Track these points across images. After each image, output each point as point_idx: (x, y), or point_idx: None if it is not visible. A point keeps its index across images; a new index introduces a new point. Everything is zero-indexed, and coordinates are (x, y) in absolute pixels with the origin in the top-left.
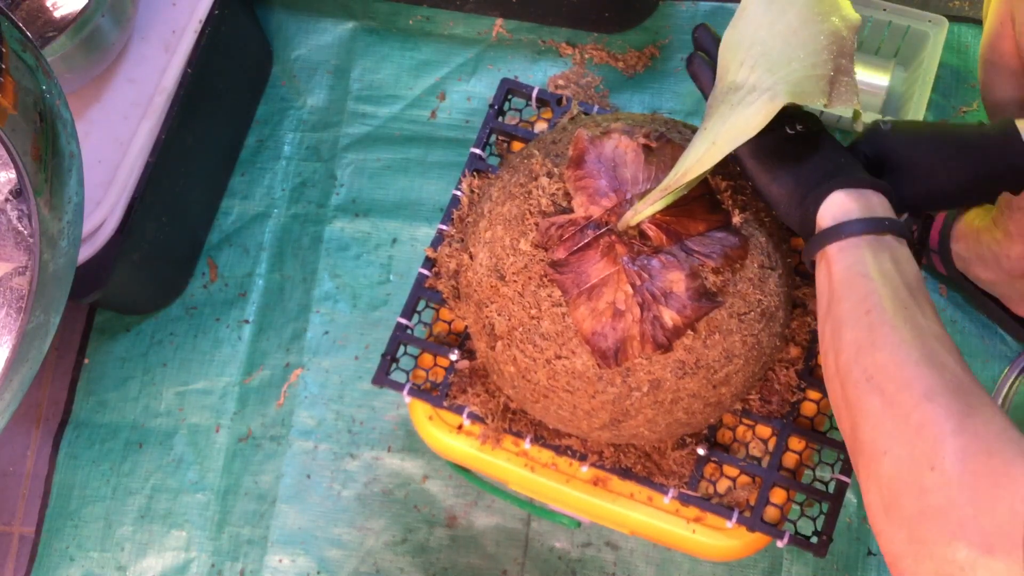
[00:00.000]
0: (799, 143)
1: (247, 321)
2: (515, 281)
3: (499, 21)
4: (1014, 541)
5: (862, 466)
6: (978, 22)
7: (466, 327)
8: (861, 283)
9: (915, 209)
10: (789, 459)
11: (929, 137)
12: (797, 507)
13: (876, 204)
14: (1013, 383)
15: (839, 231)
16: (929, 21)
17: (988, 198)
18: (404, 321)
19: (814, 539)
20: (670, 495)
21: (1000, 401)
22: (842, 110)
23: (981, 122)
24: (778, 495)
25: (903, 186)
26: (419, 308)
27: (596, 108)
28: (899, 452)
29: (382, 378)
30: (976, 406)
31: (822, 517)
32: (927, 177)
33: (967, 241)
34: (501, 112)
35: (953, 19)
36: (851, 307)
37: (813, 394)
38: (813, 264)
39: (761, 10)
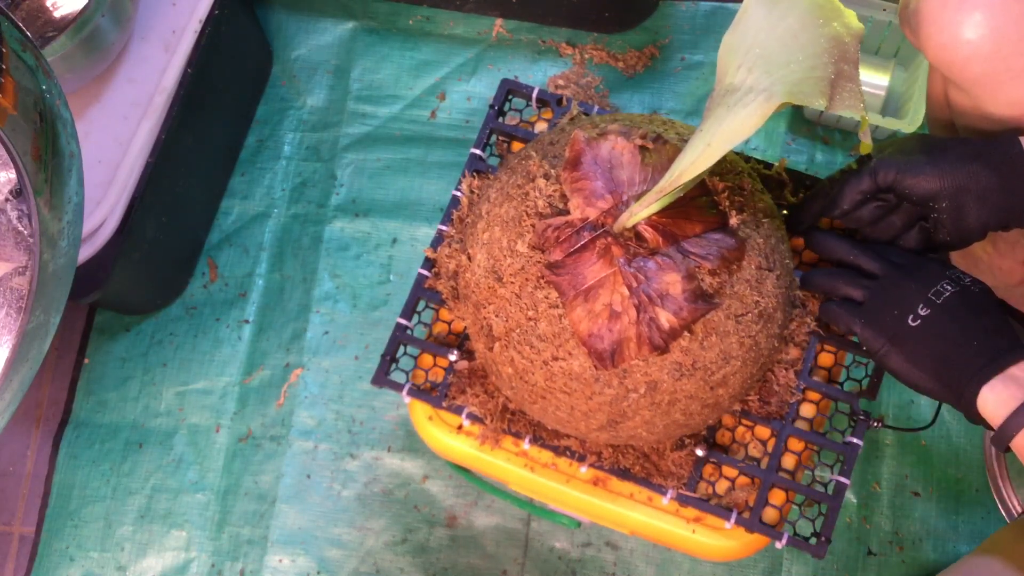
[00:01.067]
0: (925, 331)
1: (247, 321)
2: (512, 282)
3: (499, 21)
4: None
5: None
6: None
7: (465, 328)
8: None
9: (955, 247)
10: (788, 460)
11: (950, 166)
12: (796, 508)
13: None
14: None
15: (1018, 422)
16: None
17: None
18: (404, 322)
19: (813, 540)
20: (669, 496)
21: None
22: (848, 113)
23: (986, 141)
24: (777, 496)
25: (943, 228)
26: (419, 309)
27: (596, 108)
28: None
29: (382, 379)
30: None
31: (821, 518)
32: (963, 213)
33: (960, 251)
34: (501, 112)
35: None
36: None
37: (812, 395)
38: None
39: (762, 13)
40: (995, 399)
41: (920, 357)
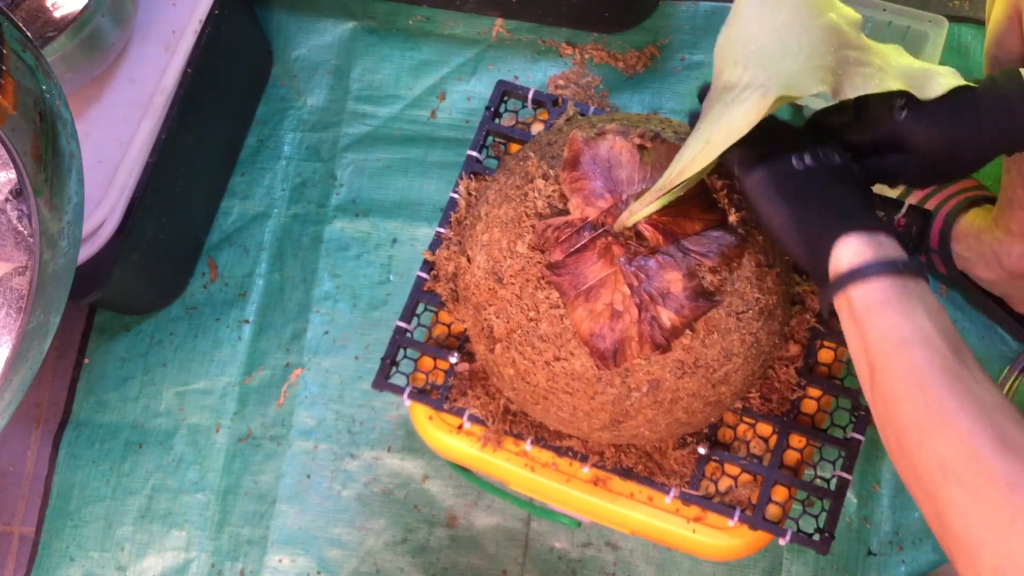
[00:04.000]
0: (806, 179)
1: (247, 321)
2: (513, 283)
3: (499, 21)
4: None
5: (959, 557)
6: (978, 22)
7: (465, 330)
8: (905, 352)
9: (938, 180)
10: (790, 457)
11: (947, 111)
12: (798, 505)
13: (889, 246)
14: (1013, 383)
15: (858, 274)
16: (929, 21)
17: (1009, 152)
18: (403, 325)
19: (816, 536)
20: (672, 494)
21: None
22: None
23: (991, 76)
24: (780, 493)
25: (925, 162)
26: (418, 311)
27: (593, 109)
28: (997, 546)
29: (382, 382)
30: None
31: (824, 515)
32: (951, 149)
33: (968, 241)
34: (497, 114)
35: (953, 19)
36: (900, 381)
37: (813, 392)
38: (830, 307)
39: (755, 10)
40: (846, 253)
41: (789, 195)
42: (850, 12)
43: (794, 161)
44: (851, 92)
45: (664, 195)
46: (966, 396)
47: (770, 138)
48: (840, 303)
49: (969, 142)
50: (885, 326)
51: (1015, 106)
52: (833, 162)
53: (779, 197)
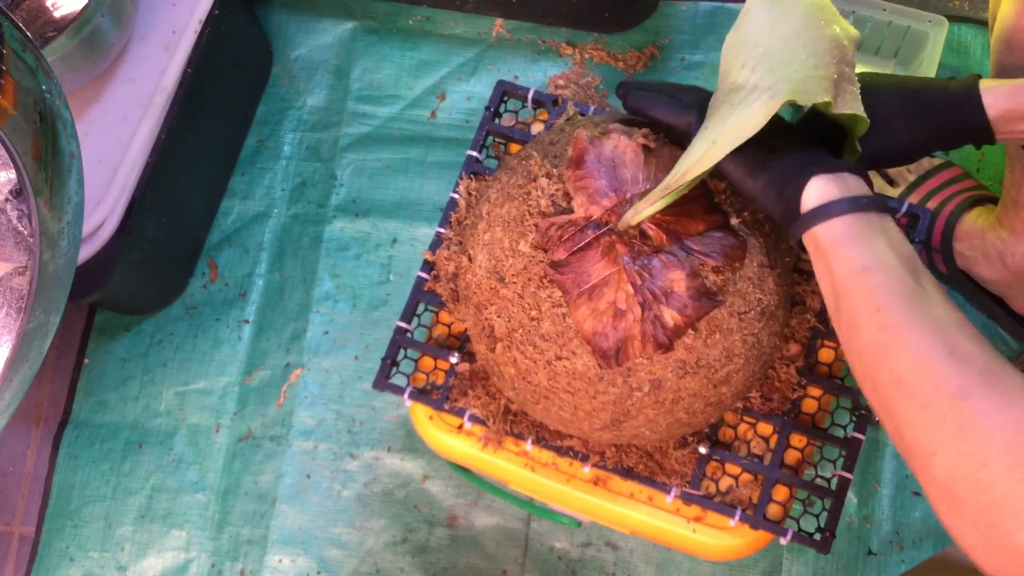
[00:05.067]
0: (769, 136)
1: (247, 321)
2: (515, 283)
3: (499, 21)
4: None
5: (916, 469)
6: (978, 22)
7: (466, 330)
8: (865, 278)
9: (875, 165)
10: (791, 456)
11: (893, 91)
12: (799, 505)
13: (855, 185)
14: None
15: (824, 211)
16: (929, 21)
17: (946, 149)
18: (403, 325)
19: (817, 536)
20: (673, 494)
21: None
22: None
23: (951, 77)
24: (780, 492)
25: (866, 141)
26: (418, 312)
27: (592, 109)
28: (946, 454)
29: (383, 383)
30: (1009, 392)
31: (824, 514)
32: (889, 131)
33: (971, 240)
34: (497, 114)
35: (953, 19)
36: (861, 304)
37: (814, 391)
38: (800, 245)
39: (764, 14)
40: (812, 193)
41: (751, 151)
42: (851, 28)
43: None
44: (843, 108)
45: (669, 194)
46: (922, 314)
47: None
48: (808, 240)
49: (901, 125)
50: (848, 256)
51: (953, 104)
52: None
53: (747, 154)
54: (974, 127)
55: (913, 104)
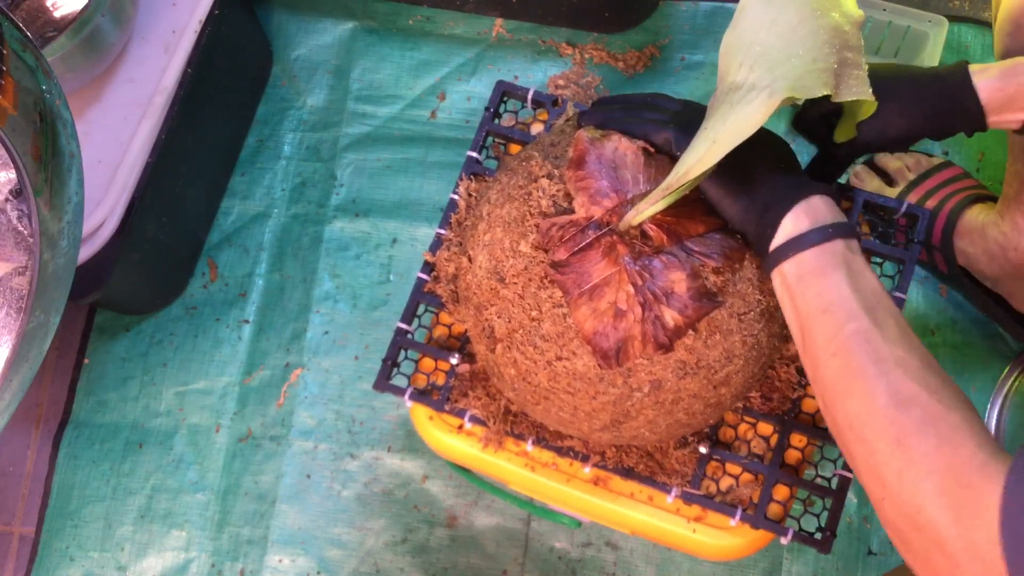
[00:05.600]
0: (746, 166)
1: (247, 321)
2: (515, 283)
3: (499, 21)
4: (995, 563)
5: (874, 504)
6: (978, 22)
7: (466, 330)
8: (824, 321)
9: (869, 148)
10: (791, 456)
11: (886, 77)
12: (799, 504)
13: (822, 211)
14: (1013, 383)
15: (790, 247)
16: (929, 21)
17: (937, 137)
18: (404, 326)
19: (818, 535)
20: (673, 494)
21: (1000, 401)
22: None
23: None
24: (781, 492)
25: (861, 125)
26: (418, 312)
27: None
28: (892, 499)
29: (383, 384)
30: (944, 434)
31: (825, 514)
32: (883, 115)
33: (972, 236)
34: (497, 114)
35: (953, 19)
36: (820, 348)
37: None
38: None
39: (759, 11)
40: (782, 228)
41: (729, 174)
42: (853, 9)
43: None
44: (846, 94)
45: (670, 194)
46: (870, 357)
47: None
48: (775, 278)
49: (893, 110)
50: (810, 295)
51: (944, 90)
52: (771, 142)
53: (720, 179)
54: (967, 110)
55: (907, 88)
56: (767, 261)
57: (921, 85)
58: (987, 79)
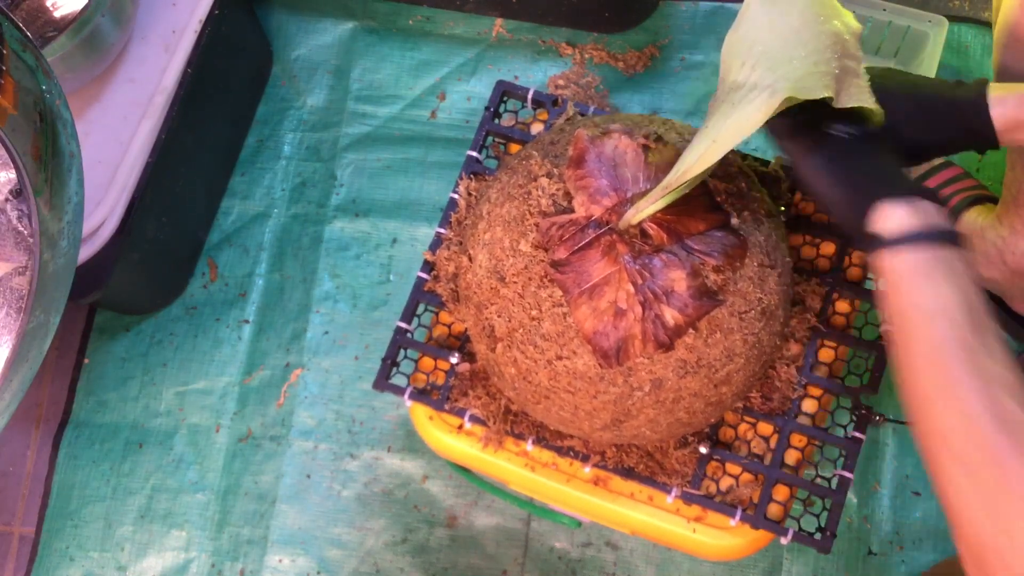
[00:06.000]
0: (848, 148)
1: (247, 321)
2: (515, 282)
3: (499, 21)
4: None
5: (951, 523)
6: (978, 22)
7: (466, 330)
8: (928, 327)
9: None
10: (791, 456)
11: (904, 98)
12: (799, 504)
13: (930, 213)
14: None
15: (899, 242)
16: (929, 21)
17: (950, 154)
18: (404, 325)
19: (818, 535)
20: (673, 494)
21: None
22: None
23: (959, 80)
24: (781, 492)
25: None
26: (418, 312)
27: (592, 109)
28: (980, 519)
29: (383, 383)
30: None
31: (825, 514)
32: (897, 136)
33: (971, 238)
34: (497, 114)
35: (953, 19)
36: (919, 356)
37: (814, 391)
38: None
39: (762, 12)
40: (889, 220)
41: (833, 162)
42: (853, 21)
43: (836, 128)
44: (847, 102)
45: (670, 193)
46: (973, 372)
47: (808, 108)
48: (878, 263)
49: (907, 125)
50: (914, 298)
51: (960, 110)
52: (869, 130)
53: (823, 164)
54: (981, 138)
55: (923, 114)
56: (871, 246)
57: (940, 112)
58: (1005, 107)
